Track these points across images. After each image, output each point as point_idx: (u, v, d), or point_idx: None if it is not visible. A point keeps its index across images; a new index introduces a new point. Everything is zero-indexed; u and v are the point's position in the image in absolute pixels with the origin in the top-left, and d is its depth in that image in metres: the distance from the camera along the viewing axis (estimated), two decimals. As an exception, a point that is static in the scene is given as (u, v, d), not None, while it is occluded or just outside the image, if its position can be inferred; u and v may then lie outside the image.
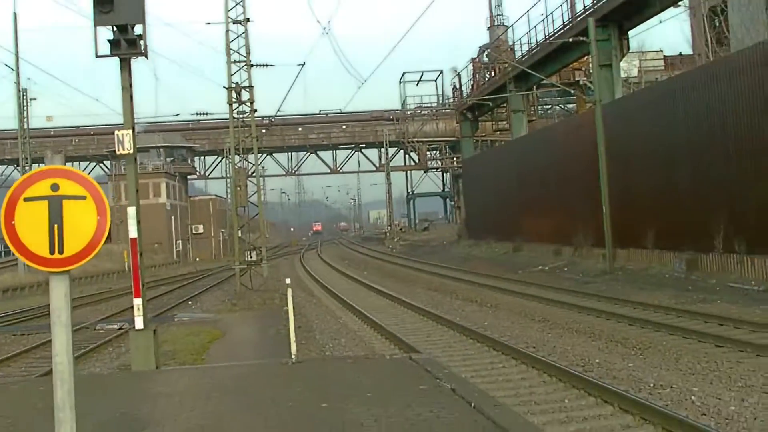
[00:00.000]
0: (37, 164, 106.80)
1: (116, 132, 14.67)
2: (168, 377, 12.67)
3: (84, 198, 6.27)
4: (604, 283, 34.49)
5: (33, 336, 29.10)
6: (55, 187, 6.22)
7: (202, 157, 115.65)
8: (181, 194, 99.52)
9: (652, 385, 14.82)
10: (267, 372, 12.70)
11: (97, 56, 14.74)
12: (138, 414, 10.08)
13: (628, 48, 46.06)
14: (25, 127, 73.88)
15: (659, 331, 20.91)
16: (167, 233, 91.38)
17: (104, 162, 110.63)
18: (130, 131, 14.69)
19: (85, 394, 11.87)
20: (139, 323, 14.81)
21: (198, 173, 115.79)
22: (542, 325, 23.67)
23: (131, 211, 14.78)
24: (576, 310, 26.12)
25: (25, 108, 73.92)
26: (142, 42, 14.76)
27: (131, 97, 15.06)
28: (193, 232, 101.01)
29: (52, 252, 6.31)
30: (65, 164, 6.36)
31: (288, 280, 14.13)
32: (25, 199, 6.23)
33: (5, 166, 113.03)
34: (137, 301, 14.82)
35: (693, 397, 13.71)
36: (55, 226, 6.23)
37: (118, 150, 14.59)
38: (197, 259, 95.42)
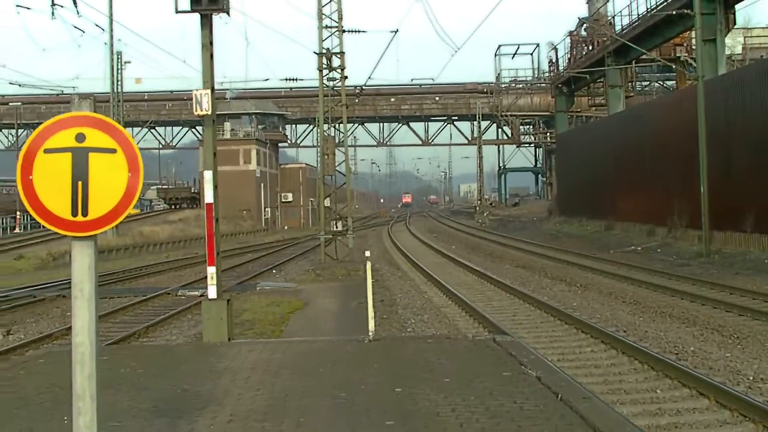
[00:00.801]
0: (130, 128, 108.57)
1: (194, 91, 14.07)
2: (238, 351, 12.04)
3: (114, 151, 5.38)
4: (699, 267, 33.33)
5: (114, 300, 28.95)
6: (80, 137, 5.33)
7: (294, 125, 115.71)
8: (272, 162, 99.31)
9: (751, 378, 13.92)
10: (342, 349, 12.00)
11: (176, 12, 14.13)
12: (200, 391, 9.47)
13: (734, 22, 44.26)
14: (119, 90, 74.26)
15: (758, 320, 19.88)
16: (256, 200, 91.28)
17: (196, 127, 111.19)
18: (209, 91, 14.07)
19: (149, 366, 11.36)
20: (212, 293, 14.24)
21: (289, 141, 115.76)
22: (633, 308, 22.75)
23: (208, 175, 14.20)
24: (669, 294, 25.11)
25: (119, 71, 74.31)
26: (224, -3, 14.11)
27: (212, 55, 14.43)
28: (283, 200, 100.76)
29: (74, 214, 5.38)
30: (95, 111, 5.50)
31: (367, 253, 13.41)
32: (46, 151, 5.33)
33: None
34: (211, 270, 14.24)
35: (798, 394, 12.81)
36: (79, 183, 5.33)
37: (196, 110, 13.99)
38: (286, 227, 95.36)
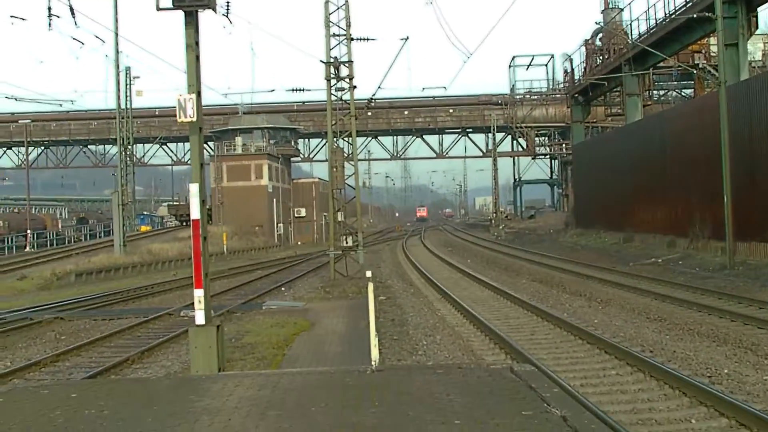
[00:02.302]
0: (141, 144, 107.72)
1: (178, 97, 12.78)
2: (224, 385, 10.69)
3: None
4: (724, 279, 31.92)
5: (114, 321, 28.08)
6: None
7: (306, 140, 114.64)
8: (284, 176, 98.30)
9: (796, 405, 12.60)
10: (340, 383, 10.62)
11: (158, 9, 12.91)
12: (169, 439, 8.14)
13: (757, 26, 42.68)
14: (128, 106, 73.78)
15: (795, 338, 18.57)
16: (268, 216, 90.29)
17: (208, 143, 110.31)
18: (194, 96, 12.79)
19: (119, 407, 9.96)
20: (200, 318, 12.95)
21: (302, 155, 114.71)
22: (658, 325, 21.44)
23: (194, 188, 12.90)
24: (696, 309, 23.77)
25: (128, 86, 73.78)
26: (210, -9, 12.87)
27: (198, 57, 13.14)
28: (296, 215, 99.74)
29: None
30: None
31: (369, 273, 12.10)
32: None
33: (111, 146, 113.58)
34: (198, 293, 12.94)
35: None
36: None
37: (180, 117, 12.73)
38: (299, 242, 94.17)
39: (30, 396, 10.93)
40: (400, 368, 12.25)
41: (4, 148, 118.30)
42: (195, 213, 12.82)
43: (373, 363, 11.31)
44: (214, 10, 12.99)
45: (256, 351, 19.89)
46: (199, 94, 12.97)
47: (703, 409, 12.54)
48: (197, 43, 13.12)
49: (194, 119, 12.75)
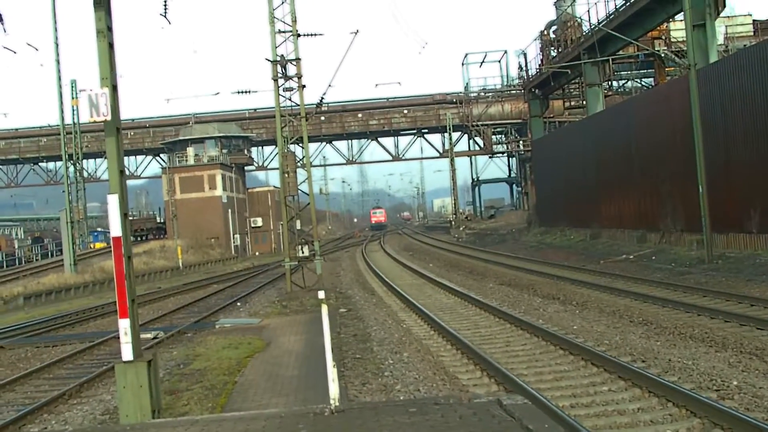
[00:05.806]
0: (93, 159, 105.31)
1: (89, 92, 10.74)
2: (149, 439, 8.69)
3: None
4: (704, 274, 30.26)
5: (57, 348, 26.33)
6: None
7: (260, 148, 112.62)
8: (239, 186, 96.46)
9: (827, 421, 10.82)
10: (291, 431, 8.62)
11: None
12: None
13: (724, 5, 40.63)
14: (75, 121, 71.92)
15: (801, 340, 16.83)
16: (224, 227, 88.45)
17: (160, 155, 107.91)
18: (108, 90, 10.75)
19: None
20: (127, 353, 10.95)
21: (257, 164, 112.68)
22: (645, 330, 19.64)
23: (112, 200, 10.85)
24: (682, 309, 22.00)
25: (74, 100, 71.70)
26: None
27: (111, 45, 11.10)
28: (252, 225, 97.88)
29: None
30: None
31: (321, 294, 10.09)
32: None
33: (54, 162, 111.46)
34: (124, 324, 10.93)
35: None
36: None
37: (92, 116, 10.69)
38: (256, 253, 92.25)
39: None
40: (365, 407, 10.22)
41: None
42: (116, 229, 10.79)
43: (332, 402, 9.33)
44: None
45: (205, 378, 17.89)
46: (114, 89, 10.95)
47: (718, 432, 10.77)
48: (110, 29, 11.08)
49: (109, 118, 10.72)
